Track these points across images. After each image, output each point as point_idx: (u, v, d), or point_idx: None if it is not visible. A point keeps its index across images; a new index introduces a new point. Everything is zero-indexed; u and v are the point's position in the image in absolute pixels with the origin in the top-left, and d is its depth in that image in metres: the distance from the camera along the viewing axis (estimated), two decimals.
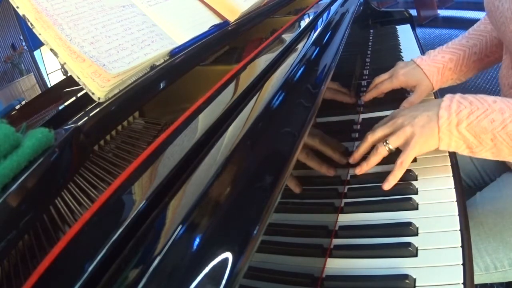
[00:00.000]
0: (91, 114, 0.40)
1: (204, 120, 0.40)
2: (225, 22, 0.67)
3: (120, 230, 0.26)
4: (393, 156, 0.64)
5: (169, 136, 0.37)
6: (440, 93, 0.84)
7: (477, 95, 0.54)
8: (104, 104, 0.41)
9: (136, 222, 0.27)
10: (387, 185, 0.57)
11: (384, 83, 0.77)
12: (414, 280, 0.45)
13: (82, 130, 0.37)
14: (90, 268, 0.23)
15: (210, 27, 0.64)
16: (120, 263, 0.24)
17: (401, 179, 0.61)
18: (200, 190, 0.30)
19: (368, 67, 1.10)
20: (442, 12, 4.12)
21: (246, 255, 0.27)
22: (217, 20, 0.67)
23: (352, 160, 0.62)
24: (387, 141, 0.57)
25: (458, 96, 0.55)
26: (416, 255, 0.48)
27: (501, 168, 0.78)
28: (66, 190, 0.34)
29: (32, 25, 0.42)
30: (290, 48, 0.60)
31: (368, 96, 0.79)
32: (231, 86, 0.48)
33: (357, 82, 0.95)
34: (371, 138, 0.60)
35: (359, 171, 0.60)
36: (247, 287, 0.29)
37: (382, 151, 0.58)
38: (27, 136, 0.31)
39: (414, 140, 0.55)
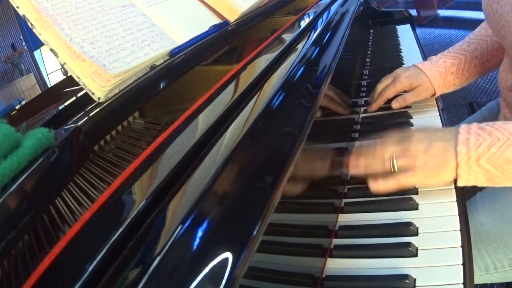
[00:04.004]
0: (91, 114, 0.40)
1: (204, 120, 0.40)
2: (225, 22, 0.67)
3: (120, 230, 0.26)
4: None
5: (169, 136, 0.37)
6: (442, 98, 0.85)
7: (494, 123, 0.51)
8: (104, 104, 0.41)
9: (136, 222, 0.27)
10: (375, 187, 0.55)
11: (388, 89, 0.77)
12: (414, 280, 0.45)
13: (82, 130, 0.37)
14: (90, 268, 0.23)
15: (210, 27, 0.64)
16: (120, 263, 0.24)
17: None
18: (200, 190, 0.30)
19: (368, 67, 1.10)
20: (442, 12, 4.12)
21: (246, 255, 0.27)
22: (217, 20, 0.67)
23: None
24: (395, 159, 0.54)
25: (475, 127, 0.52)
26: (416, 255, 0.48)
27: None
28: (66, 190, 0.34)
29: (32, 25, 0.42)
30: (290, 48, 0.60)
31: (375, 106, 0.79)
32: (231, 86, 0.48)
33: (357, 82, 0.95)
34: (380, 152, 0.55)
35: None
36: (247, 287, 0.29)
37: (387, 168, 0.54)
38: (27, 136, 0.31)
39: (421, 175, 0.53)
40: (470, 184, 0.52)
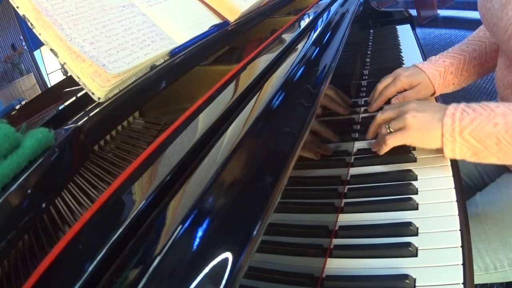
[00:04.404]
0: (91, 114, 0.40)
1: (204, 120, 0.40)
2: (225, 22, 0.67)
3: (120, 230, 0.26)
4: (393, 157, 0.64)
5: (169, 136, 0.37)
6: (442, 98, 0.85)
7: (480, 102, 0.56)
8: (104, 104, 0.41)
9: (136, 222, 0.27)
10: (375, 148, 0.65)
11: (388, 88, 0.77)
12: (414, 280, 0.45)
13: (82, 130, 0.37)
14: (90, 268, 0.23)
15: (210, 27, 0.64)
16: (120, 263, 0.24)
17: (401, 179, 0.61)
18: (200, 190, 0.30)
19: (368, 67, 1.10)
20: (442, 12, 4.12)
21: (246, 255, 0.27)
22: (217, 20, 0.67)
23: (367, 136, 0.70)
24: (390, 124, 0.62)
25: (462, 104, 0.57)
26: (416, 255, 0.48)
27: (500, 168, 0.77)
28: (66, 190, 0.34)
29: (32, 25, 0.42)
30: (290, 48, 0.60)
31: (375, 106, 0.79)
32: (231, 86, 0.48)
33: (357, 82, 0.95)
34: (379, 117, 0.66)
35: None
36: (247, 287, 0.29)
37: (383, 131, 0.63)
38: (27, 136, 0.31)
39: (409, 133, 0.59)
40: (456, 156, 0.57)
